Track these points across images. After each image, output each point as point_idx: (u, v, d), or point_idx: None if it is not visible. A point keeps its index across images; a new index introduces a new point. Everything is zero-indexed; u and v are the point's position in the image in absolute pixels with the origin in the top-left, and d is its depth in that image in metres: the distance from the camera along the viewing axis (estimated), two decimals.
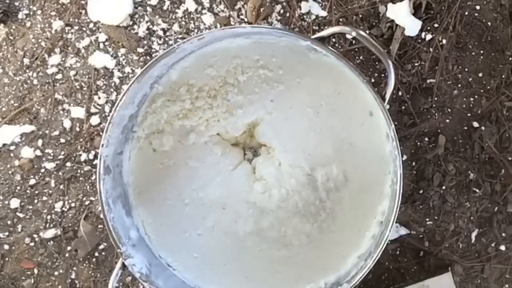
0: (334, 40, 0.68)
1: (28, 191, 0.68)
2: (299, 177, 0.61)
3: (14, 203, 0.67)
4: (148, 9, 0.68)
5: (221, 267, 0.61)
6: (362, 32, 0.54)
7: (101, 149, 0.55)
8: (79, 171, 0.68)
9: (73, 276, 0.68)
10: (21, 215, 0.68)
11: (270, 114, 0.60)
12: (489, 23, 0.69)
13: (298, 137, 0.60)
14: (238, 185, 0.62)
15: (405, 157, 0.69)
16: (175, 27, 0.68)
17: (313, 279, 0.60)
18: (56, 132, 0.68)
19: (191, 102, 0.60)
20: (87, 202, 0.68)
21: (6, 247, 0.68)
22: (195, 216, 0.61)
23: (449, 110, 0.69)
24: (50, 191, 0.68)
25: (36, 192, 0.68)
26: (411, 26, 0.66)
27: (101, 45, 0.68)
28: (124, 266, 0.55)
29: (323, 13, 0.68)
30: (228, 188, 0.61)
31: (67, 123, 0.68)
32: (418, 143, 0.69)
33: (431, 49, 0.68)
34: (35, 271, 0.68)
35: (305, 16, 0.68)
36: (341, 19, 0.68)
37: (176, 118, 0.60)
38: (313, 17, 0.68)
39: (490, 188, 0.69)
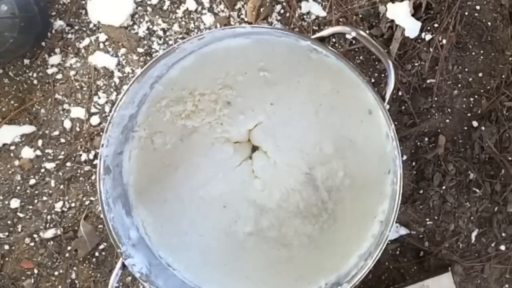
0: (334, 40, 0.68)
1: (28, 191, 0.68)
2: (297, 176, 0.61)
3: (14, 203, 0.68)
4: (148, 9, 0.68)
5: (222, 267, 0.61)
6: (362, 32, 0.54)
7: (101, 149, 0.55)
8: (79, 171, 0.68)
9: (73, 276, 0.68)
10: (21, 215, 0.68)
11: (269, 118, 0.60)
12: (489, 23, 0.69)
13: (295, 138, 0.60)
14: (239, 182, 0.62)
15: (405, 157, 0.69)
16: (175, 27, 0.68)
17: (313, 279, 0.60)
18: (56, 132, 0.68)
19: (194, 104, 0.60)
20: (87, 202, 0.68)
21: (6, 247, 0.68)
22: (195, 216, 0.61)
23: (449, 110, 0.69)
24: (50, 191, 0.68)
25: (36, 192, 0.68)
26: (411, 27, 0.66)
27: (101, 45, 0.68)
28: (124, 266, 0.55)
29: (323, 13, 0.68)
30: (229, 184, 0.61)
31: (67, 123, 0.68)
32: (418, 143, 0.69)
33: (431, 49, 0.68)
34: (35, 271, 0.68)
35: (305, 16, 0.68)
36: (341, 19, 0.68)
37: (179, 117, 0.60)
38: (313, 17, 0.68)
39: (490, 188, 0.69)
